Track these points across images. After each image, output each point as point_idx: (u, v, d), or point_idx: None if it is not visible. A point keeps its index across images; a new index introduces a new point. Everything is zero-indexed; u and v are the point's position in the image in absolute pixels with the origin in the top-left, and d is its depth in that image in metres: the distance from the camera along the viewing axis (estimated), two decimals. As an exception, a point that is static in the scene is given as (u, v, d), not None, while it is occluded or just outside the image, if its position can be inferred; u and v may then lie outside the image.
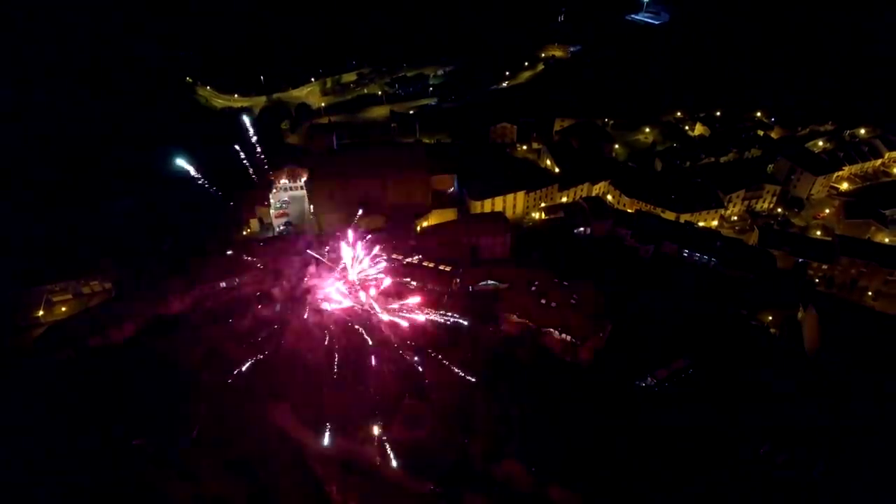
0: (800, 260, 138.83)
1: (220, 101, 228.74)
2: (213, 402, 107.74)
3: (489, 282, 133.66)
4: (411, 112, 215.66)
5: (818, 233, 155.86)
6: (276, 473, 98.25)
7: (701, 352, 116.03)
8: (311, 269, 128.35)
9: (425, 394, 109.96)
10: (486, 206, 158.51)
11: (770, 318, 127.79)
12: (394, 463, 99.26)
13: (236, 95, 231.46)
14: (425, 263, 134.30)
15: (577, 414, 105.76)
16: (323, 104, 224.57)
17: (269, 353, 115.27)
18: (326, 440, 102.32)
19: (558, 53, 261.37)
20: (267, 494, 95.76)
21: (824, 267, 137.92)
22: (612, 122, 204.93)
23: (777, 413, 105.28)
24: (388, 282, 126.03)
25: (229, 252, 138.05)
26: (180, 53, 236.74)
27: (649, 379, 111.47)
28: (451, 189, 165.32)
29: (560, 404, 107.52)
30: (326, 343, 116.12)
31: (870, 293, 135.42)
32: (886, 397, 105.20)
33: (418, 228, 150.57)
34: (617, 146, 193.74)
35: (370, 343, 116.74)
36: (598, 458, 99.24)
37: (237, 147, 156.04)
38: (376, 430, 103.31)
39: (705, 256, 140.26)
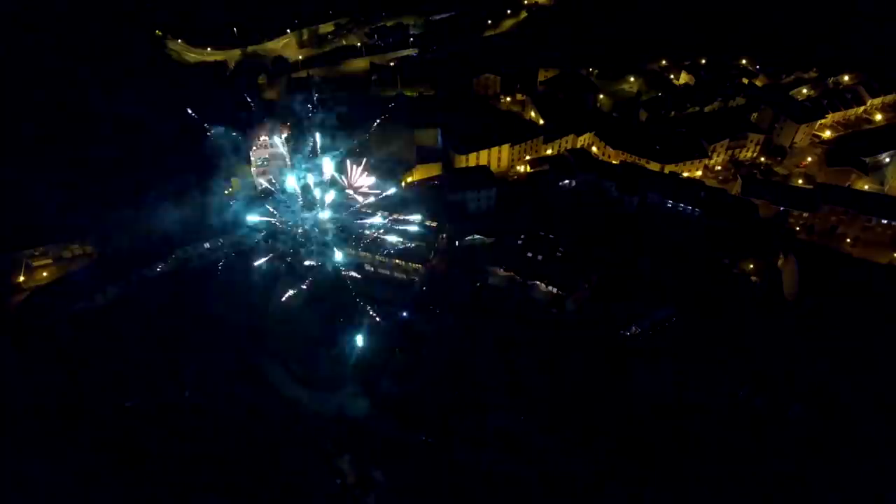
0: (781, 208, 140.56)
1: (192, 55, 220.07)
2: (205, 361, 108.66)
3: (475, 236, 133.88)
4: (392, 64, 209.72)
5: (800, 181, 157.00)
6: (269, 429, 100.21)
7: (684, 301, 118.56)
8: None
9: (416, 346, 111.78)
10: (471, 159, 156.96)
11: (751, 266, 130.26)
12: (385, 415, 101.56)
13: (209, 49, 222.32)
14: (410, 219, 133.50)
15: (564, 364, 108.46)
16: (300, 57, 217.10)
17: (259, 311, 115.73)
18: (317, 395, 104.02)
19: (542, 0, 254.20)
20: (261, 450, 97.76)
21: (805, 215, 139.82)
22: (596, 71, 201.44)
23: (756, 357, 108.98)
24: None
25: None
26: (147, 4, 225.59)
27: (634, 328, 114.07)
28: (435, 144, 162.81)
29: (547, 355, 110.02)
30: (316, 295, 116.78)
31: (848, 240, 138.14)
32: (862, 341, 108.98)
33: (403, 184, 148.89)
34: (602, 96, 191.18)
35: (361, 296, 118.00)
36: (585, 406, 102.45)
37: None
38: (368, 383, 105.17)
39: (689, 207, 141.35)
